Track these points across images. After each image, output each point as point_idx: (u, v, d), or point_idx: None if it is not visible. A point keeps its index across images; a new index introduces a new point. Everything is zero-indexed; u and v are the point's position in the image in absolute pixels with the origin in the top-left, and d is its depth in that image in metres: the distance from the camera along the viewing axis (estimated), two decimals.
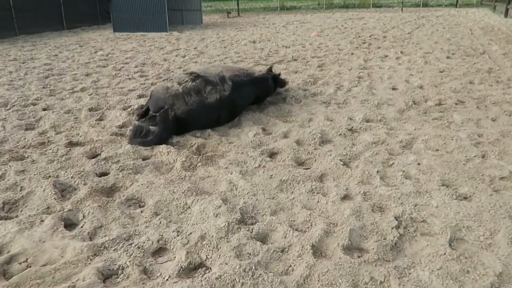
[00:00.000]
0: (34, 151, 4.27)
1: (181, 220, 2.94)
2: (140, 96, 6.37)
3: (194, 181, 3.47)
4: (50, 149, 4.30)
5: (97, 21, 21.50)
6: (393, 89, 6.23)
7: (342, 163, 3.67)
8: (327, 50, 9.93)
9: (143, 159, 4.01)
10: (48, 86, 7.32)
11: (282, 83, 6.04)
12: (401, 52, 9.28)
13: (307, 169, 3.67)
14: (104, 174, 3.68)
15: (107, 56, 10.74)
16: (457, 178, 3.30)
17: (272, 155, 4.04)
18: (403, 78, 6.74)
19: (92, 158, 4.09)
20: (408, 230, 2.66)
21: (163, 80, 4.40)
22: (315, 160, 3.84)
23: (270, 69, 6.01)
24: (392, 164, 3.63)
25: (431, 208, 2.88)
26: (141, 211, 3.05)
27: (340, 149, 4.02)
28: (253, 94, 5.21)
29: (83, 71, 8.59)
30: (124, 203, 3.20)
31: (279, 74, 6.10)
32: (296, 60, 8.99)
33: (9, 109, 5.89)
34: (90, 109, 5.73)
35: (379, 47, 10.15)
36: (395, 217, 2.75)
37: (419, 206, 2.91)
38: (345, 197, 3.13)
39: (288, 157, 3.88)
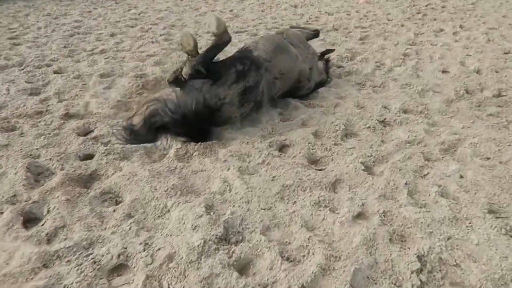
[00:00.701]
0: (27, 121, 3.93)
1: (155, 227, 2.46)
2: (157, 63, 5.87)
3: (183, 175, 2.97)
4: (44, 120, 3.94)
5: None
6: (444, 72, 5.30)
7: (363, 166, 3.01)
8: (374, 20, 8.86)
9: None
10: (70, 46, 6.99)
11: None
12: (460, 26, 8.06)
13: (320, 170, 3.05)
14: (88, 157, 3.26)
15: (139, 15, 10.27)
16: (510, 203, 2.56)
17: (282, 148, 3.43)
18: (458, 59, 5.74)
19: (84, 135, 3.68)
20: (434, 276, 2.03)
21: (242, 99, 3.57)
22: (332, 159, 3.19)
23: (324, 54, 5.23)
24: (427, 175, 2.92)
25: (469, 246, 2.21)
26: (114, 210, 2.60)
27: (364, 147, 3.34)
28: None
29: (110, 31, 8.18)
30: (99, 197, 2.76)
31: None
32: (337, 29, 8.06)
33: (22, 69, 5.61)
34: (102, 75, 5.31)
35: (434, 19, 8.91)
36: (417, 256, 2.11)
37: (453, 240, 2.25)
38: (359, 216, 2.51)
39: (300, 152, 3.26)
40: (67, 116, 4.09)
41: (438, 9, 10.15)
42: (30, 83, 5.09)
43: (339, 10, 10.27)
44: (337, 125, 3.66)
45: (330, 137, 3.52)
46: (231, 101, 3.47)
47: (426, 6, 10.50)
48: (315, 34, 5.27)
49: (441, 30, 7.78)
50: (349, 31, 7.84)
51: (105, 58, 6.13)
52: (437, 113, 3.99)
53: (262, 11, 10.48)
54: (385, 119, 3.83)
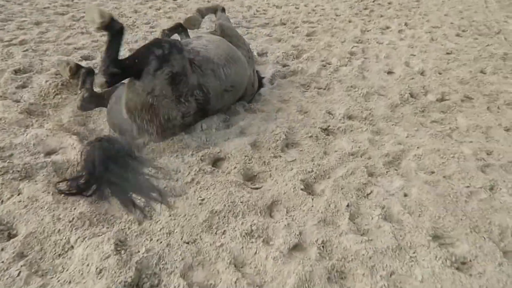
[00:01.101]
0: None
1: (53, 270, 2.02)
2: (84, 58, 5.27)
3: (94, 200, 2.52)
4: None
5: None
6: (389, 72, 5.17)
7: (303, 185, 2.73)
8: (322, 15, 8.68)
9: (47, 154, 3.03)
10: None
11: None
12: (405, 24, 8.08)
13: (256, 189, 2.72)
14: None
15: (72, 1, 9.37)
16: (455, 227, 2.39)
17: (216, 162, 3.07)
18: (403, 59, 5.65)
19: None
20: None
21: (175, 87, 3.00)
22: (270, 175, 2.89)
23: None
24: (370, 194, 2.70)
25: (413, 282, 1.98)
26: (1, 249, 2.12)
27: (306, 160, 3.06)
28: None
29: (35, 18, 7.34)
30: None
31: None
32: (284, 24, 7.78)
33: None
34: (16, 71, 4.63)
35: (381, 16, 8.90)
36: None
37: (396, 276, 2.02)
38: (295, 248, 2.22)
39: (235, 167, 2.92)
40: None
41: (385, 5, 10.18)
42: None
43: (287, 3, 10.00)
44: (277, 134, 3.36)
45: (269, 148, 3.21)
46: (163, 93, 2.96)
47: (373, 1, 10.50)
48: (223, 9, 4.98)
49: (387, 27, 7.74)
50: (296, 26, 7.59)
51: (24, 51, 5.41)
52: (381, 120, 3.80)
53: (208, 1, 9.96)
54: (328, 126, 3.59)
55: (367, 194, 2.69)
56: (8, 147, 3.03)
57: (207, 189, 2.64)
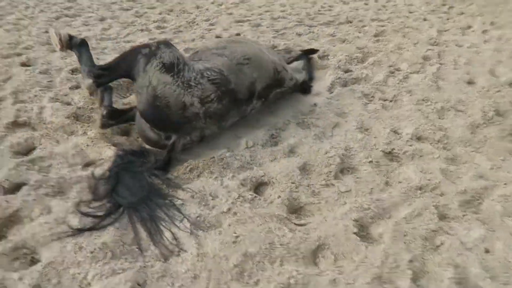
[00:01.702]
0: None
1: None
2: None
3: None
4: None
5: None
6: (470, 83, 4.47)
7: (357, 226, 2.31)
8: (393, 12, 7.94)
9: (84, 166, 2.90)
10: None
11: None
12: (491, 23, 7.10)
13: (300, 226, 2.35)
14: (15, 189, 2.62)
15: None
16: None
17: (258, 187, 2.74)
18: (487, 66, 4.88)
19: (25, 154, 3.05)
20: None
21: (176, 75, 2.84)
22: (319, 209, 2.49)
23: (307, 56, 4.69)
24: (441, 246, 2.20)
25: None
26: (20, 278, 1.97)
27: (363, 192, 2.62)
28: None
29: (101, 14, 7.48)
30: (8, 254, 2.13)
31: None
32: (350, 22, 7.19)
33: None
34: (73, 71, 4.65)
35: (462, 13, 7.94)
36: None
37: None
38: None
39: (279, 196, 2.57)
40: (15, 125, 3.45)
41: (466, 1, 9.11)
42: None
43: None
44: (332, 156, 2.94)
45: (321, 174, 2.81)
46: (162, 82, 2.83)
47: None
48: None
49: (469, 27, 6.84)
50: (364, 24, 6.98)
51: None
52: (459, 144, 3.22)
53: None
54: (393, 149, 3.09)
55: (437, 246, 2.20)
56: (48, 156, 2.94)
57: (244, 223, 2.32)
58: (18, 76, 4.43)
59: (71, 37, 2.97)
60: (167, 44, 3.03)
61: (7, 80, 4.40)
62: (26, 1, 8.46)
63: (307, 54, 4.75)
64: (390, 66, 4.90)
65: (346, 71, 4.81)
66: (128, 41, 5.89)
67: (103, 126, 3.17)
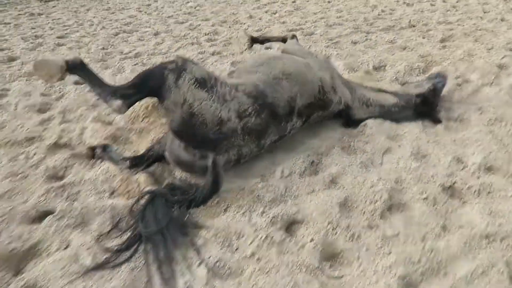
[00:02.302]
0: (10, 152, 3.40)
1: None
2: None
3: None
4: (28, 151, 3.38)
5: None
6: None
7: (403, 286, 1.90)
8: (464, 12, 7.15)
9: (111, 194, 2.80)
10: (108, 47, 6.54)
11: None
12: None
13: (333, 279, 2.01)
14: (40, 218, 2.57)
15: (195, 8, 9.63)
16: None
17: (290, 226, 2.43)
18: None
19: (58, 179, 3.04)
20: None
21: (210, 90, 2.67)
22: (358, 259, 2.13)
23: None
24: None
25: None
26: None
27: (413, 239, 2.21)
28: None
29: (156, 28, 7.63)
30: None
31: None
32: (413, 26, 6.58)
33: None
34: None
35: None
36: None
37: None
38: None
39: (312, 239, 2.24)
40: (56, 146, 3.49)
41: None
42: (45, 95, 4.63)
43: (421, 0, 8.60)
44: (379, 190, 2.55)
45: (364, 212, 2.43)
46: (197, 98, 2.65)
47: None
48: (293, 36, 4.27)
49: None
50: (429, 28, 6.34)
51: (134, 65, 5.51)
52: None
53: (329, 2, 9.20)
54: (454, 183, 2.61)
55: None
56: (77, 182, 2.89)
57: (267, 272, 2.03)
58: (69, 95, 4.55)
59: (67, 62, 2.72)
60: (193, 61, 2.88)
61: (60, 99, 4.54)
62: (91, 19, 8.92)
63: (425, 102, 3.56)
64: (458, 77, 4.32)
65: (405, 83, 4.31)
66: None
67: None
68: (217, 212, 2.52)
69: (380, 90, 3.71)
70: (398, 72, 4.56)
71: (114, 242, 2.32)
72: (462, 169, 2.77)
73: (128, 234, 2.35)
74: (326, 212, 2.42)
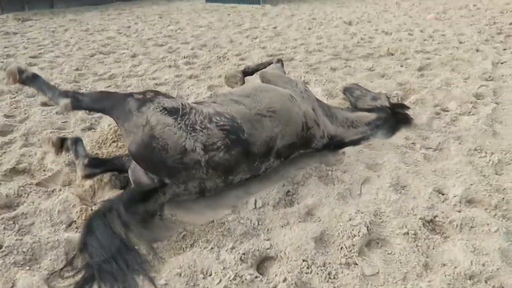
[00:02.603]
0: None
1: None
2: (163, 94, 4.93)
3: None
4: None
5: None
6: None
7: None
8: (441, 42, 7.28)
9: (68, 226, 2.55)
10: (82, 69, 6.34)
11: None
12: None
13: None
14: None
15: (176, 31, 9.57)
16: None
17: (262, 263, 2.24)
18: None
19: (12, 208, 2.77)
20: None
21: (179, 118, 2.52)
22: None
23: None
24: None
25: None
26: None
27: (393, 279, 2.05)
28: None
29: (134, 51, 7.48)
30: None
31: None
32: (392, 54, 6.64)
33: (14, 97, 4.96)
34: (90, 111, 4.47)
35: None
36: None
37: None
38: None
39: (285, 278, 2.05)
40: (13, 172, 3.23)
41: None
42: (9, 117, 4.38)
43: (399, 29, 8.78)
44: (357, 224, 2.39)
45: (341, 247, 2.27)
46: (161, 122, 2.49)
47: (510, 24, 8.63)
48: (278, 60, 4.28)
49: None
50: (407, 57, 6.40)
51: (107, 87, 5.33)
52: None
53: (309, 28, 9.29)
54: (435, 217, 2.48)
55: None
56: (32, 213, 2.64)
57: None
58: (35, 117, 4.31)
59: (20, 71, 2.64)
60: (167, 95, 2.75)
61: (24, 121, 4.29)
62: (68, 39, 8.73)
63: (394, 110, 3.86)
64: (436, 106, 4.29)
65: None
66: (154, 78, 5.74)
67: (86, 176, 2.85)
68: (182, 247, 2.31)
69: (356, 109, 3.78)
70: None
71: (66, 283, 2.08)
72: (443, 201, 2.65)
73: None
74: (301, 247, 2.24)
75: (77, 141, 2.99)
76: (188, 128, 2.51)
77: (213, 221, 2.48)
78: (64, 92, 2.63)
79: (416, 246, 2.27)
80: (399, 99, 4.53)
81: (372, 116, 3.72)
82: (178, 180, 2.51)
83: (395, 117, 3.77)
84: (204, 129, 2.55)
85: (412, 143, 3.48)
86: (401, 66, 5.88)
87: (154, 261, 2.18)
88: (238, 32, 9.21)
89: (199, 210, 2.62)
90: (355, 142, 3.45)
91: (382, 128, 3.61)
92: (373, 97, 3.97)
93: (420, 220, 2.43)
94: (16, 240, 2.34)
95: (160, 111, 2.52)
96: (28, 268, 2.18)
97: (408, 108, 4.03)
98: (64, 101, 2.53)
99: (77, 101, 2.57)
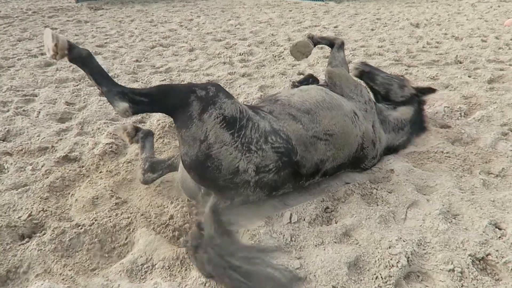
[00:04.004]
0: (18, 161, 3.36)
1: None
2: None
3: None
4: (37, 163, 3.32)
5: None
6: None
7: None
8: None
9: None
10: (142, 60, 6.57)
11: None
12: None
13: None
14: (25, 237, 2.44)
15: (235, 26, 9.62)
16: None
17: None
18: None
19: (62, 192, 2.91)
20: None
21: (236, 134, 2.38)
22: None
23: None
24: None
25: None
26: None
27: None
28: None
29: (193, 44, 7.63)
30: None
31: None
32: (460, 63, 6.16)
33: (77, 85, 5.25)
34: None
35: None
36: None
37: None
38: None
39: None
40: (65, 159, 3.40)
41: None
42: (69, 104, 4.63)
43: (472, 34, 8.14)
44: (396, 253, 2.22)
45: (377, 277, 2.11)
46: (220, 140, 2.34)
47: None
48: (342, 44, 3.72)
49: None
50: (477, 66, 5.90)
51: (162, 80, 5.46)
52: None
53: (372, 29, 8.90)
54: (488, 255, 2.23)
55: None
56: (40, 218, 2.74)
57: None
58: (92, 106, 4.51)
59: (71, 46, 2.26)
60: (227, 93, 2.52)
61: (82, 109, 4.51)
62: (133, 30, 9.09)
63: (423, 94, 3.78)
64: (504, 125, 3.90)
65: (443, 126, 3.94)
66: (208, 74, 5.78)
67: (145, 182, 2.89)
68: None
69: (394, 103, 3.69)
70: (436, 112, 4.19)
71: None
72: (499, 237, 2.38)
73: None
74: (333, 272, 2.12)
75: (147, 135, 3.03)
76: (244, 148, 2.39)
77: (245, 232, 2.42)
78: (121, 92, 2.29)
79: (462, 286, 2.05)
80: (462, 114, 4.17)
81: (411, 110, 3.60)
82: (225, 197, 2.47)
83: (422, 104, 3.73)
84: (259, 150, 2.43)
85: (470, 166, 3.18)
86: (469, 76, 5.42)
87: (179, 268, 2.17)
88: (297, 30, 9.05)
89: (231, 218, 2.57)
90: (402, 146, 3.42)
91: (419, 120, 3.58)
92: (399, 85, 3.73)
93: (470, 257, 2.20)
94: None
95: (220, 122, 2.36)
96: (66, 257, 2.26)
97: (434, 90, 3.83)
98: (123, 106, 2.27)
99: (136, 105, 2.30)
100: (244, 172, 2.40)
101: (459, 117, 4.12)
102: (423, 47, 7.15)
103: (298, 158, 2.58)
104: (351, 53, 6.79)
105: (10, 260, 2.23)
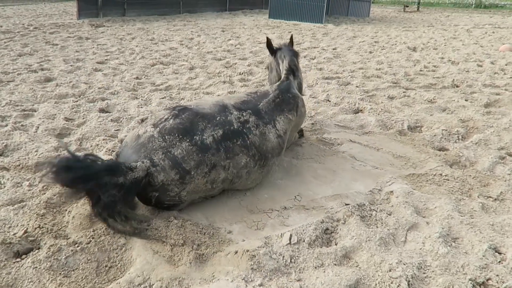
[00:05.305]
0: (15, 176, 3.31)
1: None
2: None
3: None
4: (34, 179, 3.28)
5: (261, 5, 21.13)
6: None
7: None
8: None
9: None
10: (142, 78, 6.62)
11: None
12: None
13: None
14: (18, 255, 2.40)
15: (235, 46, 9.76)
16: None
17: None
18: None
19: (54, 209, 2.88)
20: None
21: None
22: None
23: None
24: None
25: None
26: None
27: None
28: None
29: (193, 63, 7.70)
30: None
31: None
32: (457, 87, 6.25)
33: (76, 101, 5.25)
34: (142, 120, 4.61)
35: None
36: None
37: None
38: None
39: None
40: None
41: None
42: (68, 120, 4.63)
43: (468, 58, 8.28)
44: (397, 277, 2.19)
45: None
46: None
47: None
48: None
49: None
50: (473, 90, 5.99)
51: (162, 98, 5.48)
52: None
53: (370, 52, 9.04)
54: (488, 279, 2.22)
55: None
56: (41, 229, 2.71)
57: None
58: (91, 122, 4.51)
59: None
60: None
61: (81, 125, 4.50)
62: (134, 47, 9.18)
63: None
64: (501, 149, 3.93)
65: (440, 149, 3.97)
66: (208, 93, 5.82)
67: None
68: (205, 278, 2.24)
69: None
70: (434, 135, 4.22)
71: None
72: (499, 262, 2.37)
73: None
74: None
75: None
76: None
77: (244, 252, 2.39)
78: None
79: None
80: (460, 137, 4.21)
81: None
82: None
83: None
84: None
85: (468, 190, 3.19)
86: (466, 100, 5.49)
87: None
88: (310, 47, 9.17)
89: (231, 238, 2.56)
90: None
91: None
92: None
93: (470, 282, 2.18)
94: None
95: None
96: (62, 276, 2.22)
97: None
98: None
99: None
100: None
101: (457, 140, 4.15)
102: (421, 70, 7.26)
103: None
104: (349, 75, 6.87)
105: (4, 278, 2.18)
